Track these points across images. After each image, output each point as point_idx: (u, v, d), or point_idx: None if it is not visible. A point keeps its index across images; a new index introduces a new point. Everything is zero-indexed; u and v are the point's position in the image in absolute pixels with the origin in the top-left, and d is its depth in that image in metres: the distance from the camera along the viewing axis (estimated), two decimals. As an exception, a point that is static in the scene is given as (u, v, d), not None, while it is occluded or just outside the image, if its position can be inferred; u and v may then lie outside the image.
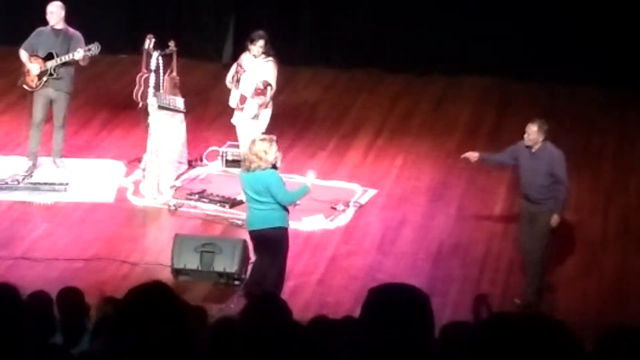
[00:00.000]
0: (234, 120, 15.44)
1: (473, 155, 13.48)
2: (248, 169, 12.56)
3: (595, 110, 18.59)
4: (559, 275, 13.86)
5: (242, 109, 15.21)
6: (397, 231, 14.43)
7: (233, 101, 15.29)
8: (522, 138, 17.32)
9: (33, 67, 15.47)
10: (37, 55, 15.51)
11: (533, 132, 12.94)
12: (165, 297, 4.81)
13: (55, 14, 15.49)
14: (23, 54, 15.59)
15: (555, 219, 12.89)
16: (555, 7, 19.22)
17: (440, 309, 12.62)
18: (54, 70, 15.45)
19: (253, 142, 12.68)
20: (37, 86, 15.56)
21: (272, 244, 12.75)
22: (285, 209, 12.72)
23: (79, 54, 15.39)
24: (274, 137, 12.85)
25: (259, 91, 15.15)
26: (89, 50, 15.49)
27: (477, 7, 19.47)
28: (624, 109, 18.59)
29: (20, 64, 15.63)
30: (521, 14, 19.37)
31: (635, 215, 15.37)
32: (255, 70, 15.14)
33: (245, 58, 15.22)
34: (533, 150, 12.92)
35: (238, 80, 15.16)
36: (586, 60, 19.24)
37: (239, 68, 15.19)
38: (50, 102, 15.70)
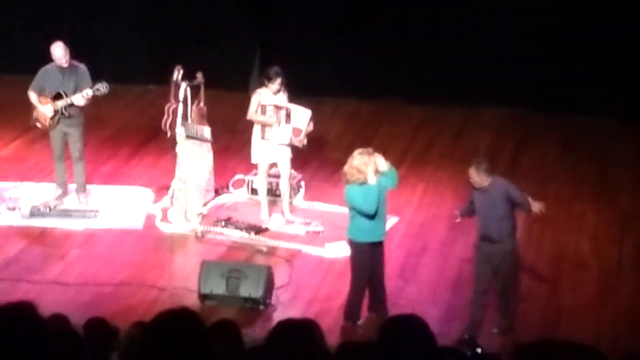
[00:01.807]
0: (274, 158, 15.45)
1: (456, 215, 13.38)
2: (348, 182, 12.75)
3: (611, 142, 18.59)
4: (575, 302, 13.86)
5: (300, 141, 15.27)
6: (418, 258, 14.48)
7: (285, 137, 15.34)
8: (538, 168, 17.46)
9: (46, 109, 15.51)
10: (45, 95, 15.54)
11: (473, 176, 12.70)
12: (192, 322, 4.84)
13: (59, 53, 15.45)
14: (33, 96, 15.61)
15: (535, 206, 12.87)
16: (572, 40, 19.22)
17: (459, 333, 12.71)
18: (65, 109, 15.51)
19: (353, 156, 12.77)
20: (50, 126, 15.62)
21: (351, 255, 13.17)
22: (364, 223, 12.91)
23: (87, 95, 15.41)
24: (371, 149, 12.92)
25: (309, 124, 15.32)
26: (98, 90, 15.50)
27: (495, 40, 19.48)
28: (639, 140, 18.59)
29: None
30: (538, 47, 19.37)
31: (650, 244, 15.40)
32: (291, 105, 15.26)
33: (272, 95, 15.23)
34: (483, 190, 12.77)
35: (288, 116, 15.22)
36: (603, 92, 19.21)
37: (280, 105, 15.19)
38: (65, 136, 15.76)
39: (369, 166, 12.64)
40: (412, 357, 4.79)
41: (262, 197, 15.67)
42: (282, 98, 15.24)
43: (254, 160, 15.55)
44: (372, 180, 12.68)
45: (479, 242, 12.90)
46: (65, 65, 15.51)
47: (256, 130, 15.32)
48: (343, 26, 20.21)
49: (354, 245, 13.12)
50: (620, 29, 19.04)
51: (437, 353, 4.92)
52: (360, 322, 13.12)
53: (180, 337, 4.75)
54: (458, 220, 13.34)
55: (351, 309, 13.20)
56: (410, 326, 5.04)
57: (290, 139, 15.32)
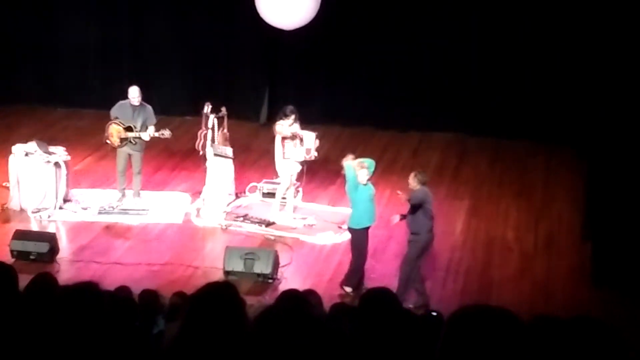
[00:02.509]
0: (290, 171, 15.36)
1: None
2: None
3: (526, 156, 18.57)
4: (502, 277, 13.79)
5: (311, 157, 15.26)
6: (386, 244, 14.39)
7: (300, 156, 15.26)
8: (474, 176, 17.42)
9: (116, 132, 15.44)
10: (120, 123, 15.44)
11: (410, 180, 12.74)
12: (229, 293, 4.77)
13: (134, 94, 15.39)
14: (113, 114, 15.54)
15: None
16: (493, 81, 19.23)
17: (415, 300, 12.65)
18: (132, 139, 15.43)
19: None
20: (118, 146, 15.55)
21: None
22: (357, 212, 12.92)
23: (152, 134, 15.36)
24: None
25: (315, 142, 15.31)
26: (162, 134, 15.46)
27: (441, 84, 19.49)
28: (549, 155, 18.55)
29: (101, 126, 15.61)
30: (468, 88, 19.38)
31: (557, 233, 15.31)
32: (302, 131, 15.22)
33: (289, 125, 15.14)
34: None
35: (301, 140, 15.16)
36: (519, 121, 19.22)
37: (295, 134, 15.12)
38: (129, 155, 15.69)
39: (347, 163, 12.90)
40: (384, 318, 4.74)
41: (278, 199, 15.54)
42: (296, 127, 15.16)
43: (280, 174, 15.45)
44: (362, 179, 12.84)
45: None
46: (137, 104, 15.42)
47: (278, 151, 15.21)
48: (330, 70, 20.17)
49: (355, 231, 13.03)
50: (533, 71, 19.03)
51: (402, 314, 4.87)
52: (352, 291, 13.03)
53: (220, 303, 4.65)
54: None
55: (352, 278, 13.09)
56: (383, 295, 4.99)
57: (304, 157, 15.29)
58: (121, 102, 15.58)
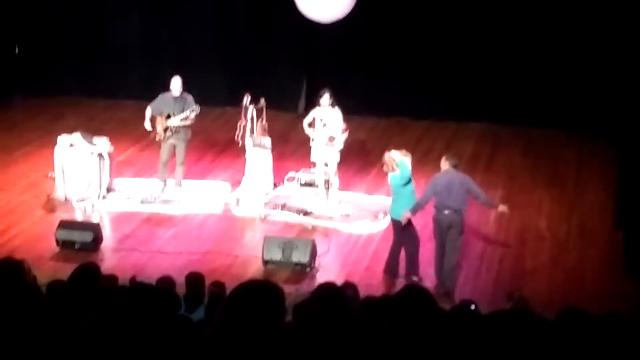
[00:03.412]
0: (315, 158, 15.46)
1: None
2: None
3: (559, 146, 18.51)
4: (535, 265, 13.79)
5: (332, 145, 15.24)
6: (421, 232, 14.40)
7: (322, 140, 15.32)
8: (507, 166, 17.39)
9: (159, 126, 15.60)
10: (161, 115, 15.61)
11: (442, 162, 12.97)
12: (270, 290, 4.79)
13: (176, 85, 15.58)
14: (148, 112, 15.67)
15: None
16: (528, 70, 19.16)
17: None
18: (174, 127, 15.56)
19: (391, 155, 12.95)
20: (164, 139, 15.69)
21: None
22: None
23: (182, 116, 15.53)
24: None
25: (344, 130, 15.26)
26: (193, 111, 15.59)
27: (474, 74, 19.46)
28: (582, 145, 18.49)
29: (143, 117, 15.75)
30: (503, 78, 19.32)
31: (590, 222, 15.27)
32: (332, 117, 15.20)
33: (321, 111, 15.26)
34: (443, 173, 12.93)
35: (324, 125, 15.21)
36: (552, 111, 19.18)
37: (321, 119, 15.22)
38: (174, 147, 15.82)
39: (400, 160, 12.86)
40: (419, 316, 4.76)
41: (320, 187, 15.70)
42: (323, 110, 15.20)
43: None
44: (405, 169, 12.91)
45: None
46: (178, 94, 15.58)
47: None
48: (366, 61, 20.19)
49: (397, 222, 13.03)
50: (565, 61, 18.95)
51: (437, 313, 4.89)
52: (417, 278, 13.09)
53: (260, 300, 4.67)
54: None
55: (415, 265, 13.13)
56: (418, 293, 5.00)
57: (327, 143, 15.31)
58: (162, 94, 15.74)
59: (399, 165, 12.88)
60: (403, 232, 12.99)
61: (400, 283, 12.84)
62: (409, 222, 12.96)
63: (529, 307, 9.81)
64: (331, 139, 15.26)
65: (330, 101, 15.23)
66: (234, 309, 4.69)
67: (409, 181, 12.95)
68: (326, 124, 15.24)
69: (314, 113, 15.42)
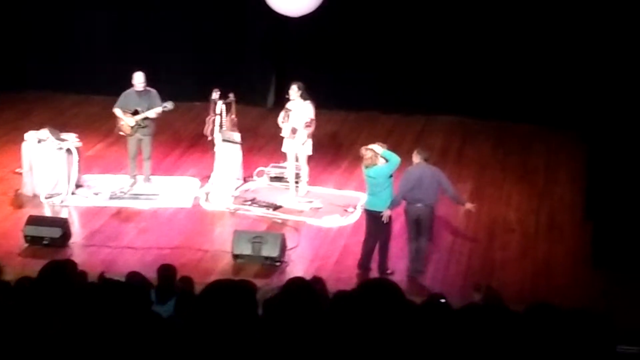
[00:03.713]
0: (285, 148, 15.45)
1: None
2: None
3: (529, 139, 18.53)
4: (504, 257, 13.85)
5: (293, 138, 15.22)
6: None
7: (286, 132, 15.30)
8: (477, 160, 17.42)
9: (128, 120, 15.53)
10: (126, 112, 15.55)
11: (413, 156, 13.18)
12: (243, 289, 4.76)
13: (139, 80, 15.52)
14: (118, 111, 15.62)
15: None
16: (498, 63, 19.18)
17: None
18: (141, 121, 15.50)
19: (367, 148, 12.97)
20: (130, 133, 15.63)
21: None
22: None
23: (157, 110, 15.46)
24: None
25: (307, 125, 15.22)
26: (165, 107, 15.53)
27: (443, 67, 19.47)
28: (550, 139, 18.53)
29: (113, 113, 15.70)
30: (473, 71, 19.35)
31: (559, 215, 15.34)
32: (299, 110, 15.18)
33: (290, 103, 15.26)
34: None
35: (289, 117, 15.19)
36: (522, 104, 19.21)
37: (287, 110, 15.21)
38: (139, 142, 15.75)
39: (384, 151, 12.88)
40: (385, 309, 4.76)
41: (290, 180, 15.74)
42: (305, 105, 15.18)
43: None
44: (382, 162, 12.86)
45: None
46: (141, 89, 15.51)
47: None
48: (335, 55, 20.14)
49: (375, 214, 13.01)
50: (534, 55, 19.00)
51: (403, 305, 4.89)
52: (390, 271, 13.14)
53: (231, 305, 4.66)
54: None
55: (384, 264, 13.18)
56: (383, 286, 4.99)
57: (289, 135, 15.27)
58: (125, 92, 15.69)
59: (385, 155, 12.89)
60: (380, 226, 12.98)
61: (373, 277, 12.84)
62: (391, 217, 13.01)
63: (498, 297, 9.85)
64: (294, 130, 15.24)
65: (300, 93, 15.21)
66: (204, 309, 4.67)
67: (393, 173, 12.96)
68: (290, 116, 15.21)
69: (286, 106, 15.40)
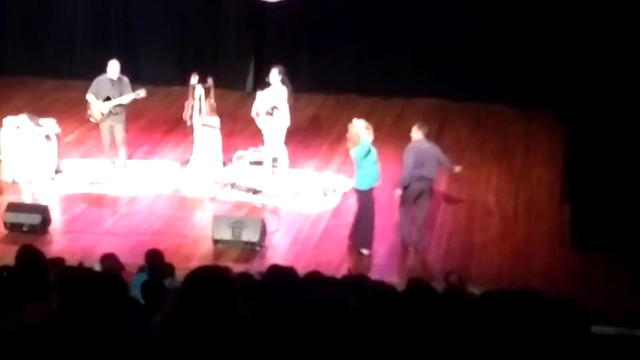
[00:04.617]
0: (261, 127, 15.46)
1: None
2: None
3: (507, 122, 18.55)
4: (484, 239, 13.89)
5: (271, 114, 15.20)
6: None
7: (253, 112, 15.35)
8: (456, 142, 17.44)
9: (100, 108, 15.46)
10: (100, 97, 15.49)
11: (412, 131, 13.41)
12: (219, 274, 4.74)
13: (114, 69, 15.46)
14: (91, 97, 15.55)
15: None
16: (476, 46, 19.18)
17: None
18: (113, 108, 15.44)
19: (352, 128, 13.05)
20: (101, 120, 15.58)
21: None
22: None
23: (130, 97, 15.41)
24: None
25: (267, 112, 15.20)
26: (138, 95, 15.48)
27: (422, 50, 19.46)
28: (529, 121, 18.57)
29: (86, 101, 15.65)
30: (451, 54, 19.34)
31: (537, 197, 15.39)
32: (270, 94, 15.15)
33: (260, 92, 15.29)
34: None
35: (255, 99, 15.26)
36: (499, 86, 19.24)
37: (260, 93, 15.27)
38: (112, 128, 15.69)
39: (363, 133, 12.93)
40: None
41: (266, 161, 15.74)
42: (277, 90, 15.14)
43: None
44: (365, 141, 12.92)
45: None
46: (115, 77, 15.44)
47: None
48: (314, 38, 20.14)
49: (363, 192, 13.08)
50: (512, 36, 19.00)
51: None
52: (367, 252, 13.18)
53: (210, 292, 4.63)
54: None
55: (367, 239, 13.20)
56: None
57: (266, 112, 15.24)
58: (99, 77, 15.63)
59: (360, 134, 12.95)
60: (366, 204, 13.05)
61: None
62: (372, 196, 13.02)
63: (463, 287, 9.92)
64: (257, 114, 15.26)
65: (280, 77, 15.19)
66: (184, 298, 4.66)
67: (369, 152, 12.96)
68: (260, 101, 15.25)
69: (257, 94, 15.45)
